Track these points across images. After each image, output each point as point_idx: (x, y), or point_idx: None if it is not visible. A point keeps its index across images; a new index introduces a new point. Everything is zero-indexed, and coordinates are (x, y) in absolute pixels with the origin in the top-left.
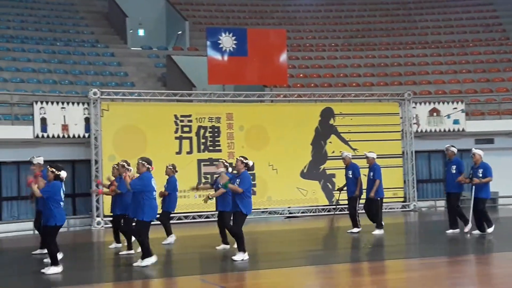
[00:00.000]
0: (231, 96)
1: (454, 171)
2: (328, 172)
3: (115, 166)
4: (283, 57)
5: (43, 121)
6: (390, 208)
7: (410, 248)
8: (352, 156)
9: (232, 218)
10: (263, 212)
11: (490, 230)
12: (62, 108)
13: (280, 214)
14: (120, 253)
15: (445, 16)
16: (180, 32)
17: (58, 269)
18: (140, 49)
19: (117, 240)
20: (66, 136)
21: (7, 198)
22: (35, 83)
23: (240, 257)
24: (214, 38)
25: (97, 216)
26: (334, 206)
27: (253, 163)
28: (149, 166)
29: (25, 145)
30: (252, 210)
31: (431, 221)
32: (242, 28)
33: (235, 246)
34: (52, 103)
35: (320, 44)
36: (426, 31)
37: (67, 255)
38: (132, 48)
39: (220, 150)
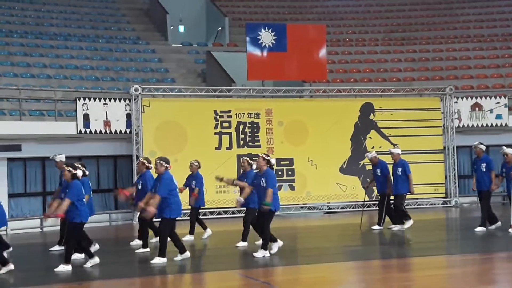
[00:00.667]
0: (270, 92)
1: (484, 169)
2: (367, 167)
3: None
4: (323, 52)
5: (86, 117)
6: (431, 204)
7: (451, 244)
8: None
9: (258, 215)
10: (302, 207)
11: (493, 226)
12: (104, 104)
13: (320, 209)
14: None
15: (487, 9)
16: (219, 28)
17: (68, 267)
18: (181, 45)
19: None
20: (108, 132)
21: (51, 192)
22: (78, 79)
23: (261, 254)
24: (253, 34)
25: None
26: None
27: (275, 160)
28: (167, 165)
29: (69, 140)
30: (291, 205)
31: (472, 217)
32: (282, 24)
33: (258, 242)
34: (95, 99)
35: (360, 39)
36: (468, 25)
37: (108, 249)
38: (172, 45)
39: (259, 146)
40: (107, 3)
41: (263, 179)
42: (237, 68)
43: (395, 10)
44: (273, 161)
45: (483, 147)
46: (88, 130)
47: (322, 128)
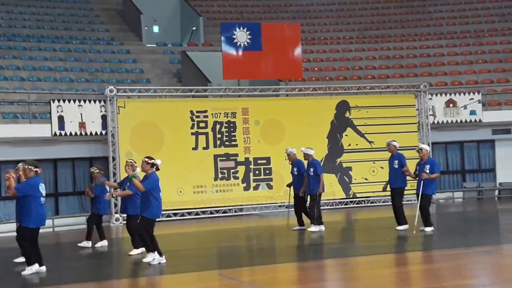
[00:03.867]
0: (246, 91)
1: (396, 166)
2: (344, 165)
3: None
4: (298, 51)
5: (61, 119)
6: (407, 201)
7: (429, 240)
8: (369, 149)
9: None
10: (280, 206)
11: (428, 229)
12: (79, 106)
13: None
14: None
15: (460, 6)
16: (194, 28)
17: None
18: (155, 45)
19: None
20: (83, 133)
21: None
22: (52, 81)
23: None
24: (228, 33)
25: (116, 212)
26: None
27: (161, 162)
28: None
29: (44, 143)
30: (269, 204)
31: (449, 213)
32: (256, 23)
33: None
34: (69, 101)
35: (335, 37)
36: (441, 22)
37: (86, 251)
38: (147, 45)
39: (236, 145)
40: (80, 4)
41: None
42: (212, 68)
43: (369, 8)
44: (159, 162)
45: (397, 144)
46: (63, 132)
47: (299, 127)
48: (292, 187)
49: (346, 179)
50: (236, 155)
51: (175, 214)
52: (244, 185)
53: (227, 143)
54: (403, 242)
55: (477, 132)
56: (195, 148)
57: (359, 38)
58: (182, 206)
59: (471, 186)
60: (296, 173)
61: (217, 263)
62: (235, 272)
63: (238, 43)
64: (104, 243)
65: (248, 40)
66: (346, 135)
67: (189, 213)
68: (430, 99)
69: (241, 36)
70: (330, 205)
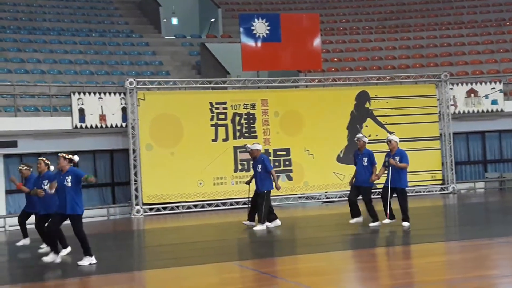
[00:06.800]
0: (265, 82)
1: (365, 164)
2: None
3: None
4: (317, 41)
5: (81, 111)
6: (429, 191)
7: (450, 231)
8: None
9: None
10: (300, 197)
11: (373, 224)
12: (99, 98)
13: (317, 199)
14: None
15: None
16: (213, 20)
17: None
18: (174, 37)
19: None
20: (103, 126)
21: None
22: (72, 74)
23: (87, 261)
24: (247, 25)
25: (136, 204)
26: None
27: (78, 158)
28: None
29: (64, 135)
30: (289, 196)
31: (471, 203)
32: (275, 14)
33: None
34: (90, 93)
35: (354, 27)
36: (462, 11)
37: (108, 243)
38: (166, 37)
39: (255, 137)
40: None
41: (68, 178)
42: (231, 59)
43: None
44: (76, 158)
45: (366, 140)
46: (83, 125)
47: (318, 118)
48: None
49: None
50: None
51: (195, 206)
52: None
53: (246, 134)
54: (424, 233)
55: (498, 122)
56: (215, 140)
57: (379, 28)
58: (202, 198)
59: (493, 176)
60: (259, 170)
61: (238, 254)
62: (256, 263)
63: (257, 34)
64: (27, 241)
65: (267, 31)
66: (366, 126)
67: (209, 205)
68: (451, 89)
69: (260, 27)
70: (340, 197)
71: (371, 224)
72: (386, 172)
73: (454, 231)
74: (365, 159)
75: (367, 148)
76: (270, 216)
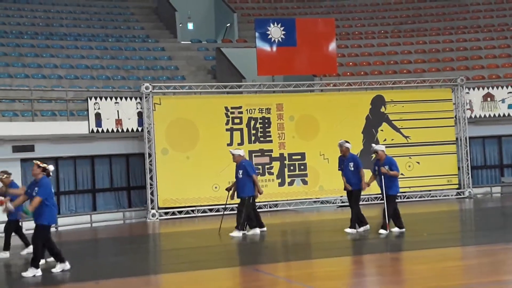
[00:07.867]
0: (280, 87)
1: (352, 168)
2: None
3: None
4: (332, 45)
5: (98, 116)
6: (445, 196)
7: (467, 236)
8: (404, 144)
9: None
10: (315, 201)
11: (361, 229)
12: (116, 103)
13: (333, 203)
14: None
15: None
16: (228, 25)
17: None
18: (190, 42)
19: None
20: (120, 130)
21: (65, 192)
22: (89, 79)
23: (30, 273)
24: (262, 29)
25: (152, 208)
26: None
27: (53, 168)
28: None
29: (81, 140)
30: (304, 200)
31: (487, 208)
32: (291, 18)
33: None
34: (106, 98)
35: (370, 32)
36: (478, 14)
37: (124, 247)
38: (182, 42)
39: (271, 141)
40: (116, 2)
41: (36, 188)
42: (247, 64)
43: (404, 1)
44: (51, 168)
45: (349, 146)
46: (100, 129)
47: (333, 122)
48: (231, 192)
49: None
50: (271, 150)
51: (210, 210)
52: (279, 180)
53: (261, 139)
54: (440, 238)
55: None
56: (230, 144)
57: (394, 32)
58: (217, 202)
59: (510, 181)
60: (240, 176)
61: (253, 258)
62: (271, 267)
63: (273, 39)
64: (30, 249)
65: (283, 36)
66: (382, 130)
67: (225, 209)
68: (467, 93)
69: (275, 32)
70: (366, 200)
71: (360, 229)
72: (376, 180)
73: (470, 236)
74: (351, 164)
75: (351, 152)
76: (251, 223)
